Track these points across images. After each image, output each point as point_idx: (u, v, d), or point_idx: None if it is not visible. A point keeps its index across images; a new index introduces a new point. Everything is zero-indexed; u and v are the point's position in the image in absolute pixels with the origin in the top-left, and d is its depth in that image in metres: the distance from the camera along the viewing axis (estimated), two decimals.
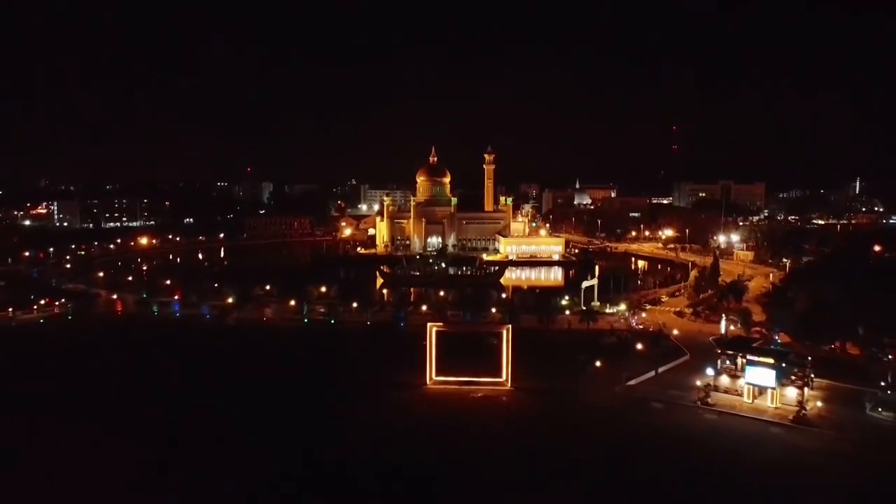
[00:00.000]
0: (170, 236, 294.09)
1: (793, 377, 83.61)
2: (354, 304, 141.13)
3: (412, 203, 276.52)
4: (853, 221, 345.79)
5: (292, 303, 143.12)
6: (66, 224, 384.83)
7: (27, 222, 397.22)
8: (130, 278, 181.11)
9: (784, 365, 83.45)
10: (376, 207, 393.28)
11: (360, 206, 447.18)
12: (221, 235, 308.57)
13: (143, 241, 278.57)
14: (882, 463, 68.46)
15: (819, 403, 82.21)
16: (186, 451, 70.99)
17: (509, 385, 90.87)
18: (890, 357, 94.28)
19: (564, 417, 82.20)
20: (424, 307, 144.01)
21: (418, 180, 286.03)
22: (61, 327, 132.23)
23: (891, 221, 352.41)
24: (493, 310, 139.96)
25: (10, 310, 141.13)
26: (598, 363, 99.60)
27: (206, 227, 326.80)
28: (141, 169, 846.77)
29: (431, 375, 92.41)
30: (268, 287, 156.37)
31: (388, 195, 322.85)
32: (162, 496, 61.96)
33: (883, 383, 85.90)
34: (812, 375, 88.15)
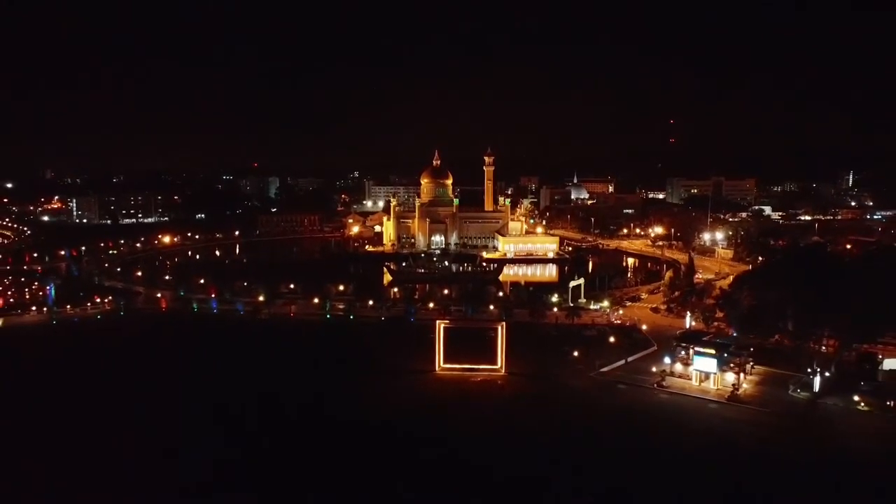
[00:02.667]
0: (188, 234, 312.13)
1: (731, 364, 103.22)
2: (371, 302, 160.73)
3: (417, 204, 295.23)
4: (838, 217, 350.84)
5: (315, 300, 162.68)
6: (84, 220, 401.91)
7: (45, 218, 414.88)
8: (168, 277, 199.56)
9: (725, 355, 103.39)
10: (381, 204, 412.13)
11: (364, 202, 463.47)
12: (237, 233, 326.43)
13: (167, 239, 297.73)
14: (790, 429, 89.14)
15: (745, 386, 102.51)
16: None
17: (504, 371, 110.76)
18: (823, 349, 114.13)
19: (547, 396, 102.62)
20: (431, 304, 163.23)
21: (422, 182, 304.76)
22: (118, 322, 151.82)
23: (875, 217, 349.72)
24: (492, 306, 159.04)
25: (68, 307, 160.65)
26: (577, 353, 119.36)
27: (219, 223, 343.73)
28: (142, 158, 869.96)
29: (440, 363, 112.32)
30: (292, 286, 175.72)
31: (394, 195, 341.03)
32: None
33: (809, 370, 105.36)
34: (751, 363, 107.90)
